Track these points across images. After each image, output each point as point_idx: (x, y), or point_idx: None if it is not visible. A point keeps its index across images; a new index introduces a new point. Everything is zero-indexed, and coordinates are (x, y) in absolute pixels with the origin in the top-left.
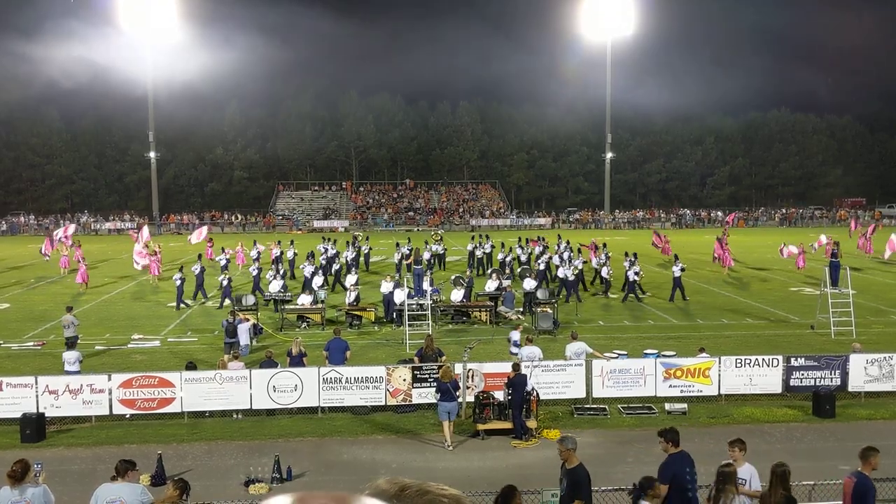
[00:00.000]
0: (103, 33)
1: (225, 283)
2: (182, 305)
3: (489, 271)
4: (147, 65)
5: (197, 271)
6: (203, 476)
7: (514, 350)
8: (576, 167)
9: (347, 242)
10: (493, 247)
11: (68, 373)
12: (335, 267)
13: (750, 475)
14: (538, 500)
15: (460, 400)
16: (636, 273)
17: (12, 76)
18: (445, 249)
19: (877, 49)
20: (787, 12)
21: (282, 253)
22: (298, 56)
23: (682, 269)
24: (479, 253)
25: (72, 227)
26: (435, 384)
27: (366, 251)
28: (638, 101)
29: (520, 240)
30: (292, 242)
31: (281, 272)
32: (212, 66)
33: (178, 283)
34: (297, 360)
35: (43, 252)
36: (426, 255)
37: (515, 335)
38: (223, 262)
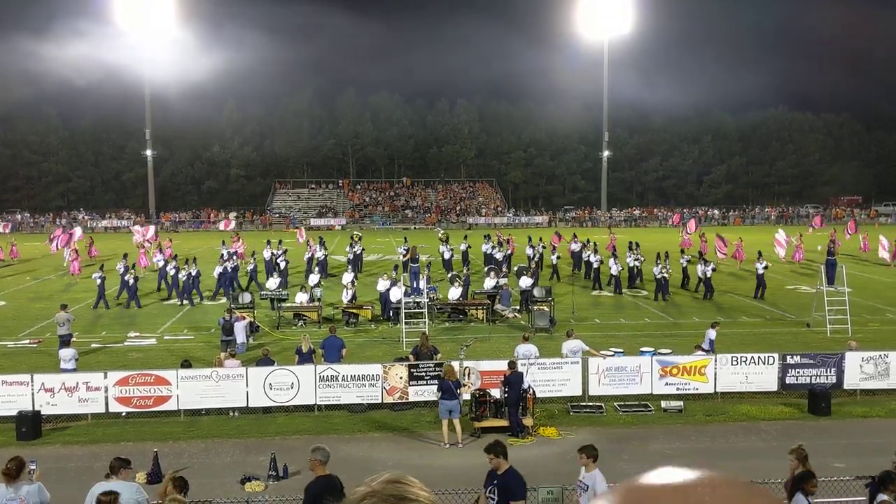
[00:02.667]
0: (101, 31)
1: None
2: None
3: (486, 269)
4: (145, 63)
5: (121, 270)
6: (200, 474)
7: (706, 347)
8: (573, 165)
9: (322, 240)
10: (493, 246)
11: (64, 370)
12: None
13: (594, 482)
14: (534, 498)
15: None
16: (713, 269)
17: (10, 74)
18: (452, 251)
19: (874, 47)
20: (785, 11)
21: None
22: (296, 54)
23: (766, 267)
24: (498, 255)
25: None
26: (433, 382)
27: (359, 251)
28: (635, 99)
29: (530, 239)
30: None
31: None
32: (209, 64)
33: (99, 281)
34: (308, 357)
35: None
36: (446, 256)
37: (712, 333)
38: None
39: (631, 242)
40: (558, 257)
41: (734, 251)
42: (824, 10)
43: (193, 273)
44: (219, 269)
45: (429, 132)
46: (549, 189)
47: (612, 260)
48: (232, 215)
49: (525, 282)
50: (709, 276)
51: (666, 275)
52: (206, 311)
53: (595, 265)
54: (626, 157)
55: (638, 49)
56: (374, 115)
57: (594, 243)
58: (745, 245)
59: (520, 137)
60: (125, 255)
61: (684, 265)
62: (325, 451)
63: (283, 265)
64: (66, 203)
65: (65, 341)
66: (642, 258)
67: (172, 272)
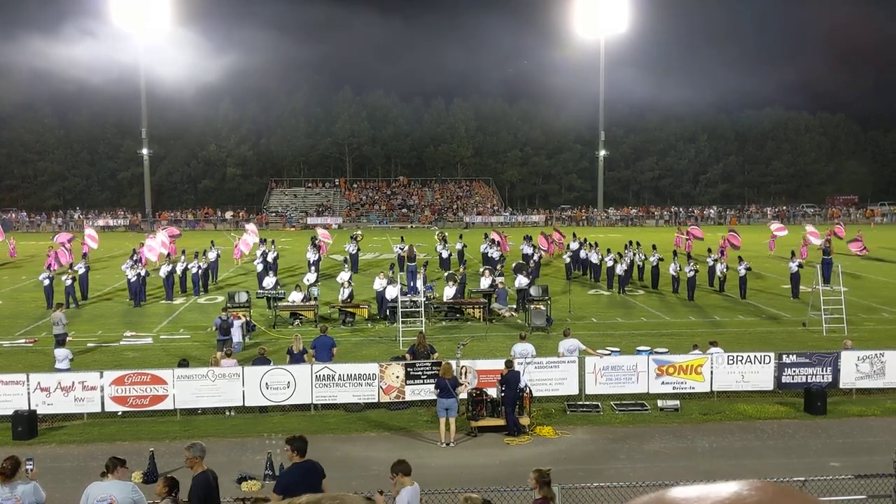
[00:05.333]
0: (97, 30)
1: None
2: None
3: (481, 269)
4: (140, 61)
5: (82, 271)
6: None
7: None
8: (569, 164)
9: (313, 239)
10: (489, 245)
11: (58, 370)
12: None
13: (407, 500)
14: (531, 497)
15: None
16: (747, 268)
17: (5, 72)
18: (451, 254)
19: (870, 47)
20: (781, 10)
21: (265, 253)
22: (292, 53)
23: (800, 266)
24: (495, 254)
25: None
26: (429, 381)
27: (354, 251)
28: (631, 98)
29: (529, 238)
30: (273, 242)
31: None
32: (205, 62)
33: (47, 282)
34: (299, 357)
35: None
36: (444, 255)
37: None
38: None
39: (652, 244)
40: (570, 256)
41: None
42: (821, 10)
43: (143, 273)
44: (166, 269)
45: (425, 131)
46: (545, 188)
47: (609, 257)
48: (228, 215)
49: (520, 281)
50: (742, 275)
51: (692, 273)
52: (203, 310)
53: (609, 264)
54: (622, 157)
55: (634, 48)
56: (370, 114)
57: (595, 243)
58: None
59: (516, 136)
60: (84, 255)
61: (710, 264)
62: (200, 446)
63: (259, 267)
64: (63, 202)
65: (59, 341)
66: (661, 258)
67: (167, 270)
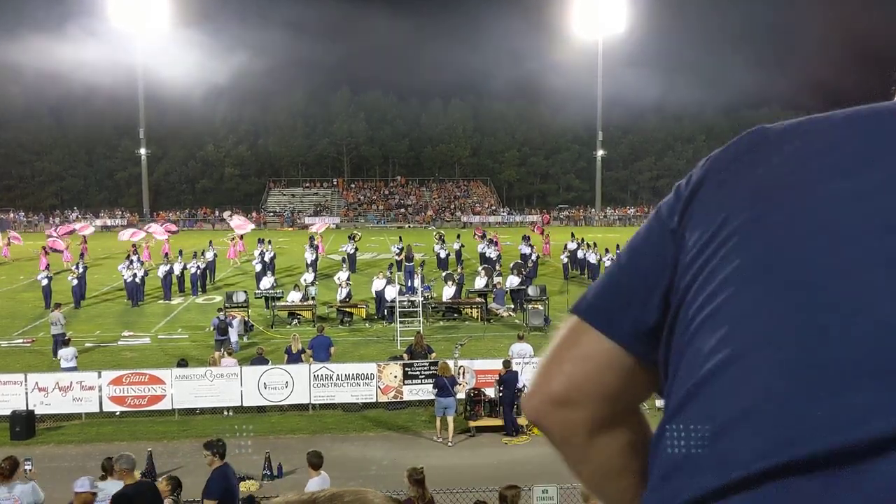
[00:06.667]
0: (95, 29)
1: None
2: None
3: (479, 268)
4: (138, 61)
5: (80, 271)
6: (194, 473)
7: None
8: (567, 164)
9: (312, 238)
10: (486, 245)
11: (65, 369)
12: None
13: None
14: (529, 498)
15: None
16: None
17: (3, 72)
18: (448, 254)
19: (869, 47)
20: (777, 10)
21: (263, 253)
22: (291, 52)
23: None
24: (492, 254)
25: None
26: (427, 381)
27: (352, 251)
28: (629, 98)
29: (528, 238)
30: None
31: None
32: (203, 62)
33: (45, 282)
34: (297, 357)
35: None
36: (442, 255)
37: None
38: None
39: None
40: (568, 256)
41: None
42: (819, 10)
43: (141, 274)
44: (164, 269)
45: (423, 131)
46: (543, 188)
47: (607, 257)
48: (226, 214)
49: (512, 281)
50: None
51: None
52: (201, 310)
53: (607, 263)
54: (620, 157)
55: (632, 48)
56: (368, 114)
57: (594, 243)
58: None
59: (514, 136)
60: (82, 255)
61: None
62: (129, 458)
63: (258, 267)
64: (60, 202)
65: (60, 340)
66: None
67: (165, 271)
